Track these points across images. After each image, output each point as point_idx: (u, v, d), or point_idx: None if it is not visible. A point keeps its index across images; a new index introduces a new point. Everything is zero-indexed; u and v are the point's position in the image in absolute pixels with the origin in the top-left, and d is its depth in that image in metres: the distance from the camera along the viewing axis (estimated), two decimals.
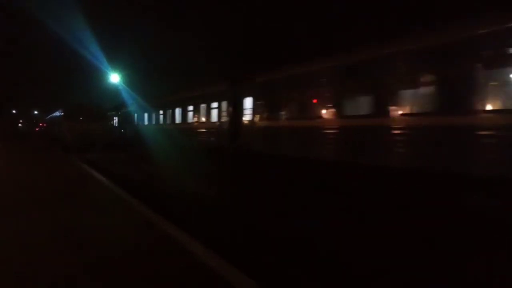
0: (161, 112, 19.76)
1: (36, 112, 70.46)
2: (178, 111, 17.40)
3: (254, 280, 3.25)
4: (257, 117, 10.77)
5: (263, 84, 10.75)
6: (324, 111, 8.56)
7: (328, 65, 8.63)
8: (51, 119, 33.29)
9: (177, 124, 17.30)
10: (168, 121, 18.59)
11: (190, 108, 15.85)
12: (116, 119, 28.38)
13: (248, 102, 11.32)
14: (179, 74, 29.68)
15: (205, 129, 14.21)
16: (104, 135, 23.41)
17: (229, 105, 12.34)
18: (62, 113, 24.28)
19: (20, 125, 65.47)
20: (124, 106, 25.75)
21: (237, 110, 11.67)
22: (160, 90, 24.82)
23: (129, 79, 27.32)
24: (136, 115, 23.87)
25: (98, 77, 31.20)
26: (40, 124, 61.45)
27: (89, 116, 23.00)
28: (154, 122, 20.89)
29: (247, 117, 11.32)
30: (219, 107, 13.13)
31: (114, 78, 27.42)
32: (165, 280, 3.21)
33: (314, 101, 8.92)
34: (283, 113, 9.77)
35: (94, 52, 27.85)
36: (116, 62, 31.55)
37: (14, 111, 63.62)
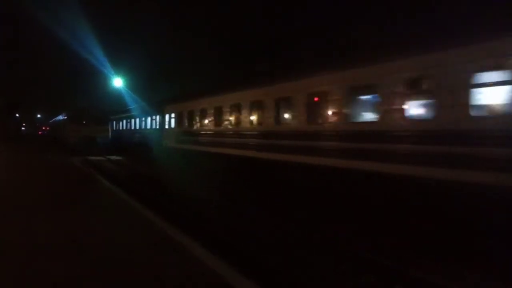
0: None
1: (39, 116, 70.82)
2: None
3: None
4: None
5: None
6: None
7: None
8: (54, 122, 33.52)
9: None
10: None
11: None
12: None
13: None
14: None
15: None
16: (107, 139, 23.57)
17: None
18: (66, 117, 24.46)
19: (23, 128, 65.61)
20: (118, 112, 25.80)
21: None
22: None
23: (133, 83, 27.41)
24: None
25: (102, 81, 31.38)
26: (43, 128, 61.72)
27: (92, 120, 23.16)
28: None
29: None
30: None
31: (117, 82, 27.59)
32: None
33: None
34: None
35: (97, 55, 28.05)
36: (120, 66, 31.68)
37: (17, 115, 63.84)
